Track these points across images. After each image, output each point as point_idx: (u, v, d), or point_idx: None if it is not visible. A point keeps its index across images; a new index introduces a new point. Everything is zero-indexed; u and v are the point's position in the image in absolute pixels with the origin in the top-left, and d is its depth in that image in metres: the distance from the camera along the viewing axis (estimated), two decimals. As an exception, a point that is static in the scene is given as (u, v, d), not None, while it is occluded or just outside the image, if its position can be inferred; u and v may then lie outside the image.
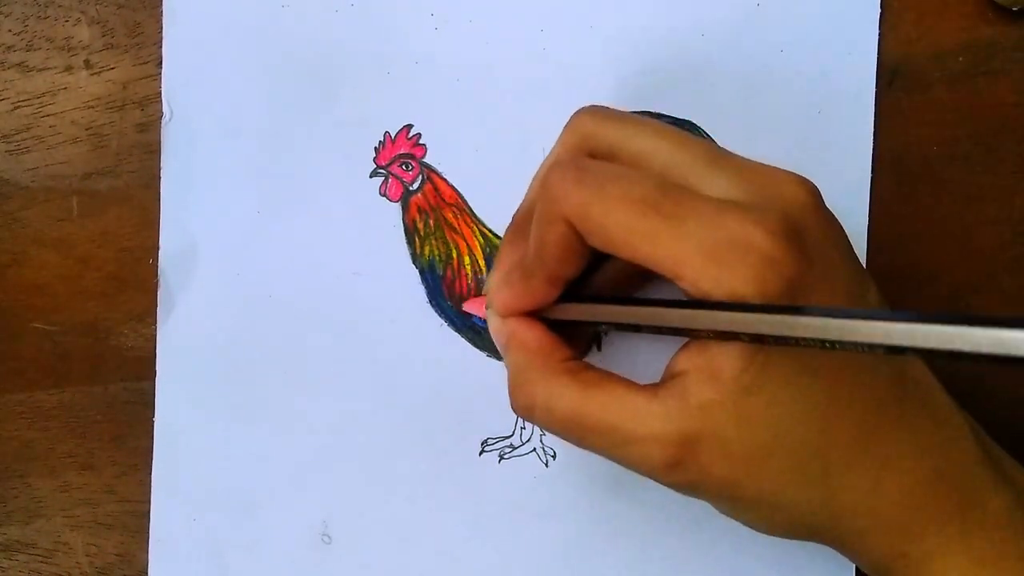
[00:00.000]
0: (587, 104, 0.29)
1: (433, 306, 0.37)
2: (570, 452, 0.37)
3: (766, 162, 0.27)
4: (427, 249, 0.36)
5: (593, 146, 0.28)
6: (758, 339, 0.24)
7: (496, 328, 0.29)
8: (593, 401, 0.26)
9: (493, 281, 0.29)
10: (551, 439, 0.37)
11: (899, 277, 0.36)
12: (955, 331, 0.20)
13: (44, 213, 0.37)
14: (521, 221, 0.30)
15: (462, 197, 0.36)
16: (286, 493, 0.37)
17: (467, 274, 0.36)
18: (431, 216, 0.36)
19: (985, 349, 0.19)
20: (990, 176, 0.36)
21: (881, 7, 0.36)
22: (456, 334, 0.36)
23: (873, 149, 0.36)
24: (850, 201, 0.36)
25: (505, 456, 0.37)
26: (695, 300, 0.25)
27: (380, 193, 0.37)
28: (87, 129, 0.37)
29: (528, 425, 0.36)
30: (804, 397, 0.25)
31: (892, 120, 0.36)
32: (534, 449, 0.37)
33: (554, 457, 0.37)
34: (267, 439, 0.37)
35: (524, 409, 0.28)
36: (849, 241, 0.27)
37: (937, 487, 0.27)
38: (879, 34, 0.36)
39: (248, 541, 0.37)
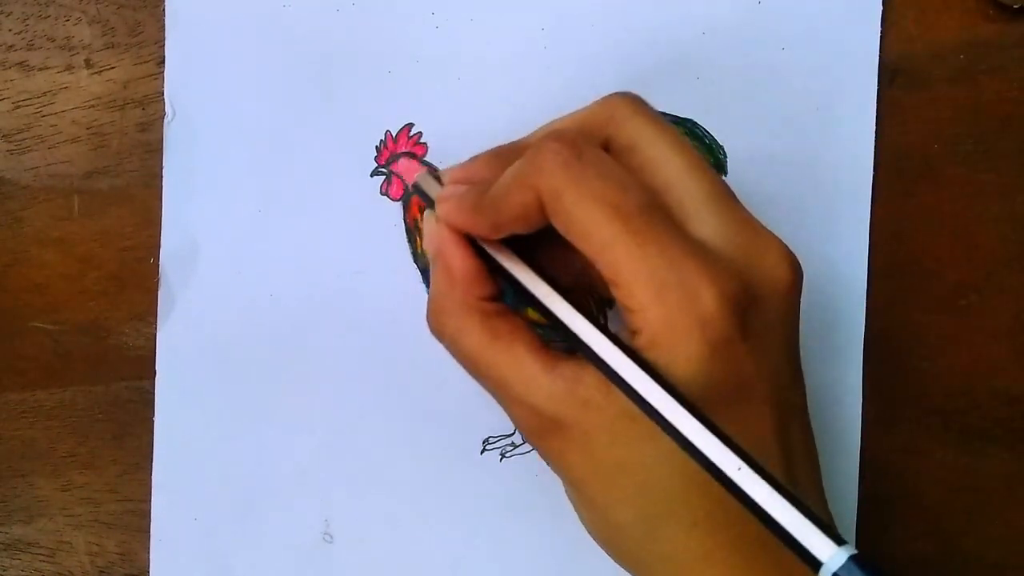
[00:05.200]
0: (624, 91, 0.29)
1: (434, 305, 0.36)
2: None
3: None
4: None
5: (612, 133, 0.28)
6: (625, 388, 0.25)
7: (430, 231, 0.29)
8: (494, 352, 0.27)
9: (449, 182, 0.29)
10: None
11: (900, 275, 0.36)
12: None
13: (45, 212, 0.37)
14: (510, 152, 0.29)
15: (463, 196, 0.36)
16: (287, 492, 0.37)
17: (468, 273, 0.36)
18: (432, 215, 0.36)
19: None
20: (991, 174, 0.36)
21: (882, 5, 0.36)
22: (457, 333, 0.36)
23: (874, 147, 0.36)
24: (851, 199, 0.36)
25: (506, 455, 0.37)
26: (598, 322, 0.25)
27: (381, 192, 0.36)
28: (88, 128, 0.37)
29: (529, 424, 0.36)
30: (669, 455, 0.25)
31: (893, 118, 0.36)
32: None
33: (555, 456, 0.37)
34: (268, 438, 0.37)
35: (435, 333, 0.29)
36: (797, 337, 0.28)
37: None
38: (880, 32, 0.36)
39: (249, 540, 0.37)
